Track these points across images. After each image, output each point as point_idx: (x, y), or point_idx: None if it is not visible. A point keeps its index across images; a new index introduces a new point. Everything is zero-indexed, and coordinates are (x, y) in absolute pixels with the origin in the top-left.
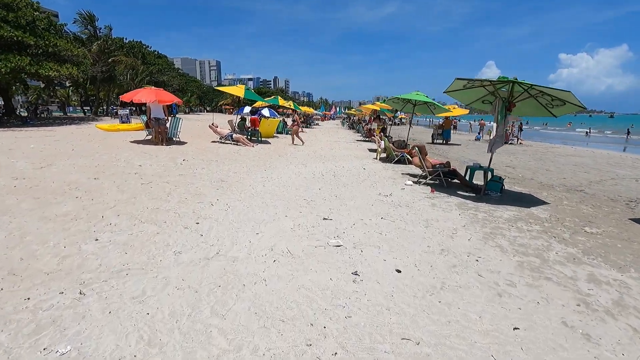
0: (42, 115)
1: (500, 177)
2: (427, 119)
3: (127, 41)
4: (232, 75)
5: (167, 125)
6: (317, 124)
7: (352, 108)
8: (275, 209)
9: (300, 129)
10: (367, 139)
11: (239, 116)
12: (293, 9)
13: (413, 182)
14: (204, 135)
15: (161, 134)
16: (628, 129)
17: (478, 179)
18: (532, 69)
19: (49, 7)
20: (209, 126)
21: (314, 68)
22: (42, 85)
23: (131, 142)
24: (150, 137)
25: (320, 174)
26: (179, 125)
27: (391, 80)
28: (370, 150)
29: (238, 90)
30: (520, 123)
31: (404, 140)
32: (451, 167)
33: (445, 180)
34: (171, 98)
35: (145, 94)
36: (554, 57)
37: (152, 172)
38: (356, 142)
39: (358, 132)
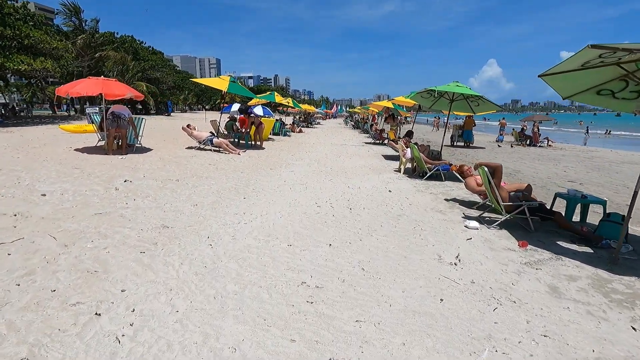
0: (21, 114)
1: (623, 216)
2: (427, 117)
3: (118, 36)
4: (233, 73)
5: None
6: (319, 123)
7: (354, 106)
8: (242, 324)
9: (297, 129)
10: (378, 142)
11: (227, 115)
12: (293, 6)
13: (476, 219)
14: (181, 138)
15: (120, 139)
16: (587, 127)
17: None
18: (534, 66)
19: (47, 3)
20: (183, 128)
21: (315, 66)
22: (26, 82)
23: (77, 149)
24: (103, 142)
25: (329, 204)
26: (141, 127)
27: (391, 78)
28: (387, 157)
29: (221, 83)
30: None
31: (428, 146)
32: (531, 195)
33: (531, 219)
34: (122, 91)
35: (87, 86)
36: (555, 55)
37: (51, 208)
38: (366, 146)
39: (365, 133)
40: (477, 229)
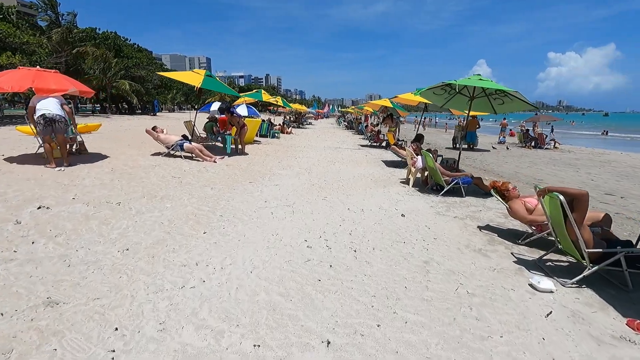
0: None
1: None
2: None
3: (100, 32)
4: (223, 73)
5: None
6: (311, 124)
7: (346, 106)
8: None
9: (288, 130)
10: (375, 144)
11: (208, 115)
12: (286, 5)
13: (538, 267)
14: (149, 143)
15: (59, 147)
16: (552, 126)
17: None
18: (522, 67)
19: None
20: (147, 131)
21: (307, 66)
22: None
23: (9, 158)
24: (42, 150)
25: (324, 240)
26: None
27: (384, 78)
28: (388, 163)
29: (193, 77)
30: (535, 124)
31: (436, 150)
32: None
33: (628, 272)
34: (62, 85)
35: (11, 78)
36: (543, 56)
37: None
38: (362, 150)
39: (359, 134)
40: (552, 291)
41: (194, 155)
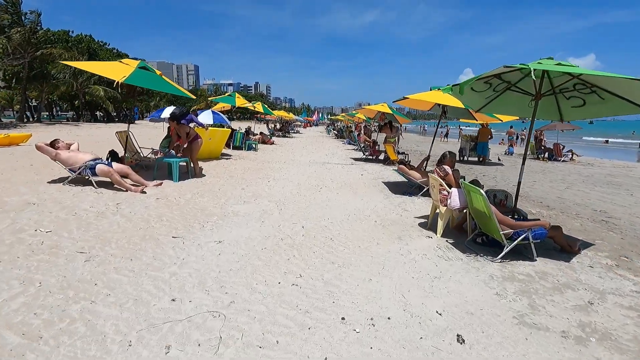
0: None
1: None
2: (421, 126)
3: (74, 35)
4: (212, 80)
5: None
6: (298, 132)
7: (335, 114)
8: None
9: (269, 140)
10: (371, 157)
11: (167, 124)
12: (276, 14)
13: None
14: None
15: None
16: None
17: None
18: None
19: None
20: (38, 147)
21: (296, 74)
22: None
23: None
24: None
25: None
26: None
27: (372, 86)
28: (391, 187)
29: (118, 70)
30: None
31: (457, 171)
32: None
33: None
34: None
35: None
36: None
37: None
38: (355, 165)
39: (352, 144)
40: None
41: (113, 182)
